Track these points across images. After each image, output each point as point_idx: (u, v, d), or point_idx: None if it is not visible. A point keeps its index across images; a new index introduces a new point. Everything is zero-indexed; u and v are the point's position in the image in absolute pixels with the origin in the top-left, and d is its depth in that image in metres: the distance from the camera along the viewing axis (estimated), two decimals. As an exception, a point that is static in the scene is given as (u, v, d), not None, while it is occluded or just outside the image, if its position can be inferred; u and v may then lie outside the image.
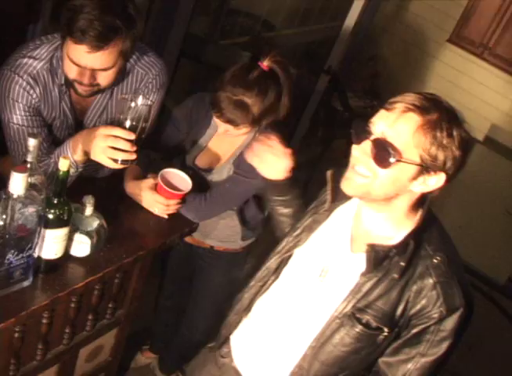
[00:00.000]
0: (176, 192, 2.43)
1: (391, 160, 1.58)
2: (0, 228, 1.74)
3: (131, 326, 2.72)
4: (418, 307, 1.69)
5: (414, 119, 1.57)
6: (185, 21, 3.68)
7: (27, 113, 2.28)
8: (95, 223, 2.12)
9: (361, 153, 1.64)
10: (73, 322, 2.31)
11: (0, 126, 2.34)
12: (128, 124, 2.02)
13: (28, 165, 1.84)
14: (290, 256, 1.99)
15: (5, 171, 1.77)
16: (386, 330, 1.72)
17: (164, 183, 2.42)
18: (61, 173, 1.85)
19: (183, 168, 2.63)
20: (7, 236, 1.77)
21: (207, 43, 4.31)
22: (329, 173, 1.92)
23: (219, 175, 2.64)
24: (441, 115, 1.58)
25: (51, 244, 1.96)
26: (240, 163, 2.57)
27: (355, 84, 5.65)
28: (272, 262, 2.03)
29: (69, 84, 2.25)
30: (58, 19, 2.12)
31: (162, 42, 3.59)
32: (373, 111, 1.70)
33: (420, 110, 1.57)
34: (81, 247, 2.10)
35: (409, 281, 1.70)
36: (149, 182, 2.46)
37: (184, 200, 2.49)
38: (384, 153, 1.59)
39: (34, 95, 2.27)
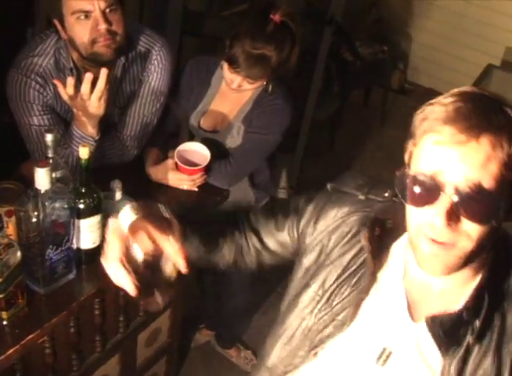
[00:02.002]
0: (196, 168, 2.44)
1: (497, 208, 1.13)
2: (34, 225, 1.75)
3: (184, 305, 2.73)
4: None
5: (493, 140, 1.10)
6: (180, -2, 3.65)
7: (42, 113, 2.29)
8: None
9: (440, 220, 1.12)
10: (125, 309, 2.33)
11: (17, 131, 2.35)
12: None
13: (50, 160, 1.86)
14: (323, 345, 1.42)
15: (29, 174, 1.78)
16: None
17: (182, 161, 2.43)
18: (83, 161, 1.85)
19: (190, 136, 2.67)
20: (43, 233, 1.78)
21: (207, 17, 4.30)
22: (366, 246, 1.35)
23: (228, 134, 2.63)
24: (502, 108, 1.15)
25: (87, 234, 1.98)
26: (252, 120, 2.58)
27: (361, 33, 5.59)
28: (295, 348, 1.46)
29: (78, 68, 2.28)
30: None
31: (162, 23, 3.57)
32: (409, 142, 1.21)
33: (489, 120, 1.11)
34: (118, 232, 2.11)
35: (502, 340, 1.26)
36: (168, 163, 2.48)
37: (208, 169, 2.49)
38: (483, 206, 1.11)
39: (45, 93, 2.28)
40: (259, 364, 1.58)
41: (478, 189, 1.09)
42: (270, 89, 2.55)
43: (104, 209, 2.02)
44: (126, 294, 2.14)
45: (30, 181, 1.77)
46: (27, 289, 1.86)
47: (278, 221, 1.60)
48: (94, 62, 2.20)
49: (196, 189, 2.49)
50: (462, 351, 1.25)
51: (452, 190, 1.10)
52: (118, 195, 2.11)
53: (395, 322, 1.33)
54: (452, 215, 1.11)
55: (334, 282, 1.40)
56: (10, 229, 1.92)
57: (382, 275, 1.36)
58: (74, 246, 1.95)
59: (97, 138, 2.23)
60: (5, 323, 1.81)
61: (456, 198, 1.10)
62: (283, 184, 4.72)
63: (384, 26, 5.93)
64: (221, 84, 2.62)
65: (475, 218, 1.12)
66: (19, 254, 1.75)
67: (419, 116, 1.18)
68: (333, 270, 1.41)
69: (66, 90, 2.07)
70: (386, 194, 1.43)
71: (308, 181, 4.68)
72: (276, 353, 1.50)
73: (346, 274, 1.40)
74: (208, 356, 3.51)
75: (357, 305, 1.37)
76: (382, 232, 1.36)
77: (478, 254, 1.19)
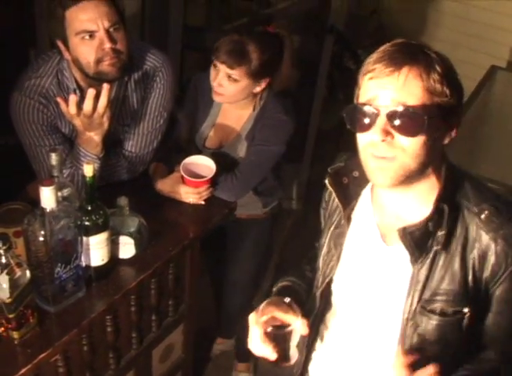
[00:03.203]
0: (202, 180, 2.45)
1: (422, 122, 1.38)
2: (41, 244, 1.77)
3: (196, 321, 2.74)
4: (489, 270, 1.49)
5: (412, 70, 1.39)
6: (180, 14, 3.68)
7: (47, 133, 2.31)
8: (134, 223, 2.14)
9: (377, 136, 1.40)
10: (138, 325, 2.33)
11: (23, 152, 2.37)
12: None
13: (55, 179, 1.87)
14: (329, 282, 1.76)
15: (36, 195, 1.79)
16: (466, 310, 1.51)
17: (188, 174, 2.45)
18: (88, 179, 1.87)
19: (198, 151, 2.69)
20: (51, 251, 1.79)
21: (208, 32, 4.31)
22: (327, 182, 1.67)
23: (233, 152, 2.66)
24: (423, 51, 1.44)
25: (95, 251, 1.99)
26: (255, 135, 2.61)
27: (364, 41, 5.59)
28: (313, 296, 1.81)
29: (81, 88, 2.30)
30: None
31: (163, 39, 3.60)
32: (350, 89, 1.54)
33: (410, 57, 1.40)
34: (127, 248, 2.13)
35: (466, 249, 1.49)
36: (174, 176, 2.49)
37: (214, 182, 2.50)
38: (409, 120, 1.38)
39: (49, 114, 2.30)
40: None
41: (403, 108, 1.37)
42: (261, 104, 2.61)
43: (112, 226, 2.03)
44: (137, 311, 2.15)
45: (37, 201, 1.78)
46: (37, 308, 1.87)
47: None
48: (99, 81, 2.20)
49: (203, 203, 2.49)
50: (429, 259, 1.51)
51: (385, 111, 1.39)
52: (126, 211, 2.11)
53: (373, 251, 1.62)
54: (387, 132, 1.40)
55: (332, 231, 1.73)
56: (19, 249, 1.93)
57: (355, 215, 1.68)
58: (83, 264, 1.96)
59: (101, 155, 2.24)
60: (16, 342, 1.82)
61: (387, 117, 1.39)
62: (294, 195, 4.74)
63: (386, 33, 5.93)
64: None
65: (404, 131, 1.39)
66: (28, 273, 1.76)
67: (362, 68, 1.47)
68: (331, 222, 1.74)
69: (69, 108, 2.08)
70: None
71: (316, 190, 4.68)
72: (306, 307, 1.78)
73: (337, 221, 1.71)
74: (226, 370, 3.51)
75: (341, 244, 1.70)
76: (350, 181, 1.66)
77: (418, 169, 1.45)
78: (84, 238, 1.93)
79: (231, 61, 2.44)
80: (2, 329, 1.82)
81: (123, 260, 2.15)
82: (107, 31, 2.14)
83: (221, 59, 2.45)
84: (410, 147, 1.40)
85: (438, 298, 1.52)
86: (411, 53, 1.42)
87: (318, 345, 1.90)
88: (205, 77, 2.65)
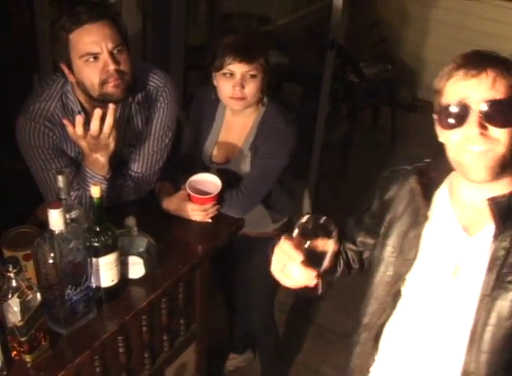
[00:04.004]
0: (207, 196, 2.45)
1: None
2: (51, 266, 1.77)
3: (208, 337, 2.73)
4: None
5: (496, 70, 1.52)
6: (181, 34, 3.71)
7: (53, 156, 2.31)
8: (143, 243, 2.14)
9: (474, 130, 1.52)
10: (150, 345, 2.32)
11: (31, 176, 2.38)
12: None
13: (63, 202, 1.88)
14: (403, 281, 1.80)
15: (45, 218, 1.80)
16: None
17: (194, 191, 2.45)
18: (95, 200, 1.87)
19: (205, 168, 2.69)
20: (61, 274, 1.80)
21: (209, 51, 4.34)
22: (415, 180, 1.77)
23: (239, 164, 2.67)
24: (497, 55, 1.59)
25: (105, 272, 1.99)
26: (257, 147, 2.61)
27: (365, 53, 5.63)
28: (383, 296, 1.84)
29: (86, 110, 2.32)
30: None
31: (165, 59, 3.63)
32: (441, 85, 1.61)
33: (490, 61, 1.54)
34: (136, 268, 2.13)
35: None
36: (180, 194, 2.50)
37: (220, 199, 2.51)
38: (501, 112, 1.51)
39: (55, 137, 2.31)
40: (355, 328, 1.94)
41: (495, 102, 1.50)
42: (262, 112, 2.63)
43: (120, 246, 2.04)
44: (149, 331, 2.14)
45: (46, 224, 1.79)
46: (49, 331, 1.87)
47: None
48: (103, 102, 2.21)
49: (210, 221, 2.49)
50: (510, 237, 1.57)
51: (477, 107, 1.51)
52: (134, 231, 2.12)
53: (453, 242, 1.68)
54: (482, 125, 1.51)
55: (403, 231, 1.78)
56: (29, 272, 1.93)
57: (432, 213, 1.74)
58: (93, 285, 1.97)
59: (108, 176, 2.25)
60: (29, 366, 1.82)
61: (481, 111, 1.51)
62: (306, 209, 4.72)
63: (387, 45, 5.96)
64: (224, 115, 2.67)
65: (497, 123, 1.51)
66: (39, 296, 1.76)
67: (438, 78, 1.61)
68: (400, 223, 1.80)
69: (76, 130, 2.10)
70: (427, 160, 1.81)
71: (323, 204, 4.68)
72: (370, 310, 1.87)
73: (409, 221, 1.78)
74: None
75: (418, 242, 1.75)
76: (429, 182, 1.77)
77: (510, 160, 1.55)
78: (94, 259, 1.94)
79: (248, 57, 2.46)
80: (15, 352, 1.82)
81: (133, 280, 2.15)
82: (111, 53, 2.17)
83: (237, 59, 2.45)
84: (503, 138, 1.52)
85: None
86: (489, 58, 1.57)
87: (376, 357, 1.94)
88: (207, 93, 2.67)
